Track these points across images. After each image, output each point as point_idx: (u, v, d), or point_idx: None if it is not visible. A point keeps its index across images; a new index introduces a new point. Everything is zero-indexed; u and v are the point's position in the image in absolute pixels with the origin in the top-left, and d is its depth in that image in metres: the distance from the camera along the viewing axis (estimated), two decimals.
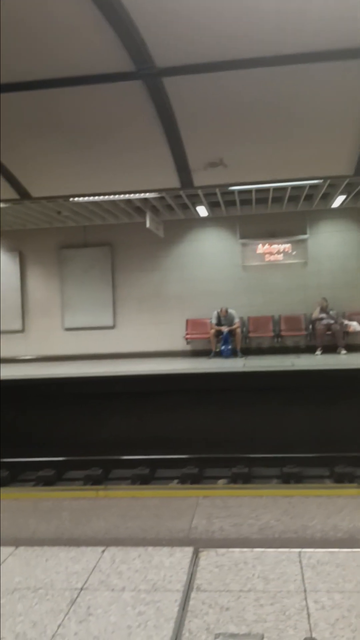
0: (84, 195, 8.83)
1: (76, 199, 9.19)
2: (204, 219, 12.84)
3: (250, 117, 6.31)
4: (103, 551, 3.30)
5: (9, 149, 7.03)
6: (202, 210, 12.05)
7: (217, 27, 4.73)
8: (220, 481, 7.55)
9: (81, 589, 2.87)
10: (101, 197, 9.35)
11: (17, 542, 3.49)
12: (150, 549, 3.30)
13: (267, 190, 10.85)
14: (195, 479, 7.63)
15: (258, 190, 10.94)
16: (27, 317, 13.78)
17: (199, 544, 3.34)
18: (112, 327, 13.54)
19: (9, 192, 7.99)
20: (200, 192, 10.43)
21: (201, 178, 7.53)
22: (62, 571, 3.08)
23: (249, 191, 10.95)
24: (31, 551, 3.36)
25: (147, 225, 10.71)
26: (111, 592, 2.83)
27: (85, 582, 2.94)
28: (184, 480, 7.62)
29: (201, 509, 3.92)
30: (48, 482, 7.85)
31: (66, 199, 9.38)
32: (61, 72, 5.43)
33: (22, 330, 13.76)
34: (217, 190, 10.61)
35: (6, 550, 3.38)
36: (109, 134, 6.70)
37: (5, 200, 8.57)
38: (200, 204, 11.50)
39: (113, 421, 9.85)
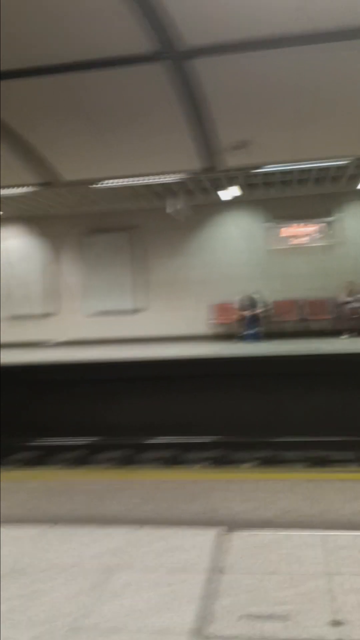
0: (108, 179, 8.83)
1: (101, 183, 9.20)
2: (227, 202, 12.74)
3: (275, 98, 6.23)
4: (130, 531, 3.37)
5: (36, 134, 7.07)
6: (225, 194, 11.96)
7: (243, 6, 4.66)
8: (245, 465, 7.60)
9: (109, 568, 2.94)
10: (124, 182, 9.35)
11: (51, 521, 3.58)
12: (176, 529, 3.36)
13: (292, 172, 10.72)
14: (220, 463, 7.69)
15: (283, 172, 10.81)
16: (53, 302, 13.91)
17: (225, 525, 3.38)
18: (135, 312, 13.60)
19: (37, 178, 8.05)
20: (224, 175, 10.35)
21: (225, 161, 7.48)
22: (91, 551, 3.15)
23: (274, 173, 10.82)
24: (64, 529, 3.44)
25: (170, 209, 10.68)
26: (138, 571, 2.89)
27: (113, 561, 3.01)
28: (209, 463, 7.68)
29: (228, 491, 3.96)
30: (80, 462, 8.02)
31: (91, 184, 9.41)
32: (86, 55, 5.42)
33: (48, 315, 13.91)
34: (241, 173, 10.51)
35: (38, 529, 3.47)
36: (134, 118, 6.68)
37: (34, 185, 8.65)
38: (224, 187, 11.42)
39: (137, 405, 9.94)
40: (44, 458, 8.43)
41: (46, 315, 13.89)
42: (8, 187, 8.90)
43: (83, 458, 8.17)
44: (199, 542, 3.19)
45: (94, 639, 2.33)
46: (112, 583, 2.79)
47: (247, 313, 12.31)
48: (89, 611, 2.54)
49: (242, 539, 3.20)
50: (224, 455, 7.88)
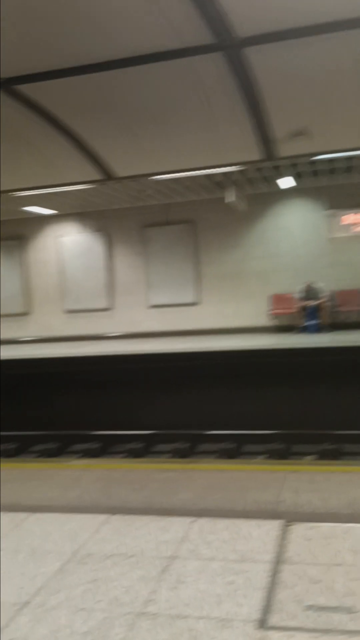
0: (165, 173, 8.84)
1: (158, 177, 9.22)
2: (287, 191, 12.52)
3: (335, 83, 6.06)
4: (191, 522, 3.37)
5: (93, 131, 7.16)
6: (285, 182, 11.75)
7: None
8: (308, 457, 7.48)
9: (171, 557, 2.95)
10: (182, 174, 9.33)
11: (110, 511, 3.63)
12: (238, 520, 3.33)
13: (352, 158, 10.40)
14: (282, 455, 7.60)
15: (344, 159, 10.51)
16: (114, 296, 14.12)
17: (287, 517, 3.33)
18: (195, 304, 13.61)
19: (95, 174, 8.16)
20: (283, 163, 10.17)
21: (285, 149, 7.33)
22: (152, 540, 3.17)
23: (335, 160, 10.54)
24: (123, 520, 3.48)
25: (228, 200, 10.59)
26: (200, 561, 2.89)
27: (175, 551, 3.02)
28: (271, 455, 7.60)
29: (288, 483, 3.90)
30: (137, 454, 8.11)
31: (148, 178, 9.45)
32: (140, 50, 5.42)
33: (109, 309, 14.13)
34: (301, 161, 10.29)
35: (100, 518, 3.53)
36: (190, 109, 6.65)
37: (91, 182, 8.78)
38: (284, 175, 11.22)
39: (197, 397, 9.96)
40: (103, 449, 8.60)
41: (106, 309, 14.11)
42: (66, 184, 9.06)
43: (141, 449, 8.26)
44: (262, 532, 3.15)
45: (156, 626, 2.34)
46: (174, 572, 2.80)
47: (308, 303, 12.09)
48: (151, 599, 2.56)
49: (306, 530, 3.15)
50: (285, 448, 7.78)
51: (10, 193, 9.45)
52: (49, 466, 5.01)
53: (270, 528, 3.20)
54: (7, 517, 3.66)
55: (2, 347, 13.35)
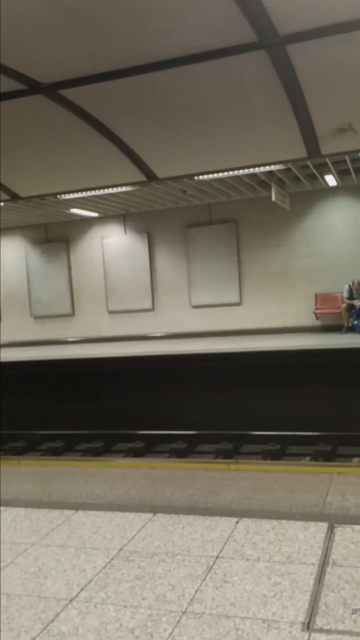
0: (208, 173, 8.84)
1: (200, 177, 9.23)
2: (332, 188, 12.33)
3: None
4: (237, 522, 3.37)
5: (136, 133, 7.23)
6: (330, 180, 11.57)
7: None
8: (355, 459, 7.35)
9: (217, 556, 2.96)
10: (225, 173, 9.31)
11: (155, 509, 3.67)
12: (283, 522, 3.32)
13: None
14: (327, 457, 7.49)
15: None
16: (157, 296, 14.21)
17: (333, 519, 3.30)
18: (238, 304, 13.55)
19: (137, 175, 8.24)
20: (328, 160, 10.03)
21: (329, 145, 7.24)
22: (198, 539, 3.19)
23: None
24: (168, 518, 3.51)
25: (273, 198, 10.50)
26: (246, 561, 2.89)
27: (221, 550, 3.03)
28: (316, 457, 7.51)
29: (335, 485, 3.85)
30: (181, 454, 8.15)
31: (190, 178, 9.47)
32: (182, 51, 5.44)
33: (152, 309, 14.22)
34: (347, 157, 10.12)
35: (145, 516, 3.57)
36: (232, 108, 6.64)
37: (135, 183, 8.86)
38: (329, 172, 11.05)
39: (241, 396, 9.92)
40: (147, 448, 8.67)
41: (149, 310, 14.20)
42: (110, 186, 9.17)
43: (184, 449, 8.28)
44: (308, 534, 3.13)
45: (202, 625, 2.35)
46: (219, 571, 2.81)
47: (354, 302, 11.86)
48: (197, 597, 2.58)
49: (352, 534, 3.11)
50: (331, 450, 7.66)
51: (57, 196, 9.64)
52: (94, 464, 5.10)
53: (317, 530, 3.17)
54: (56, 512, 3.74)
55: (49, 347, 13.64)
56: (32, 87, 5.92)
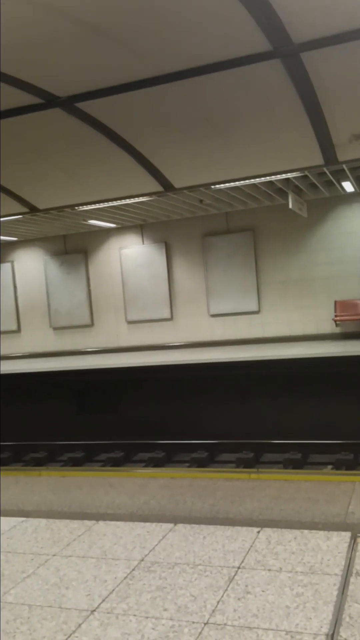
0: (226, 182, 8.85)
1: (217, 186, 9.24)
2: (350, 195, 12.26)
3: None
4: (258, 532, 3.34)
5: (152, 144, 7.28)
6: (348, 186, 11.52)
7: None
8: None
9: (238, 567, 2.93)
10: (242, 182, 9.31)
11: (175, 519, 3.65)
12: (306, 532, 3.28)
13: None
14: (349, 466, 7.40)
15: None
16: (175, 305, 14.22)
17: (356, 529, 3.25)
18: (257, 312, 13.50)
19: (154, 186, 8.28)
20: (345, 166, 9.98)
21: (346, 152, 7.21)
22: (219, 549, 3.17)
23: None
24: (189, 528, 3.49)
25: (290, 206, 10.47)
26: (268, 572, 2.85)
27: (242, 561, 3.00)
28: (338, 466, 7.42)
29: (358, 494, 3.80)
30: (201, 463, 8.11)
31: (207, 187, 9.49)
32: (199, 60, 5.48)
33: (171, 318, 14.23)
34: None
35: (166, 526, 3.56)
36: (247, 117, 6.65)
37: (152, 193, 8.90)
38: (346, 179, 11.00)
39: (261, 405, 9.86)
40: (167, 457, 8.64)
41: (167, 319, 14.21)
42: (128, 197, 9.23)
43: (205, 459, 8.25)
44: (331, 544, 3.09)
45: (225, 636, 2.33)
46: (241, 582, 2.78)
47: None
48: (219, 608, 2.55)
49: None
50: (354, 459, 7.57)
51: (75, 207, 9.72)
52: (115, 474, 5.10)
53: (340, 540, 3.12)
54: (77, 523, 3.74)
55: (69, 357, 13.71)
56: (49, 101, 6.00)
